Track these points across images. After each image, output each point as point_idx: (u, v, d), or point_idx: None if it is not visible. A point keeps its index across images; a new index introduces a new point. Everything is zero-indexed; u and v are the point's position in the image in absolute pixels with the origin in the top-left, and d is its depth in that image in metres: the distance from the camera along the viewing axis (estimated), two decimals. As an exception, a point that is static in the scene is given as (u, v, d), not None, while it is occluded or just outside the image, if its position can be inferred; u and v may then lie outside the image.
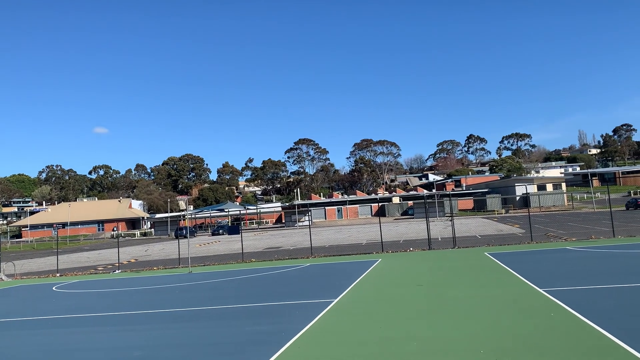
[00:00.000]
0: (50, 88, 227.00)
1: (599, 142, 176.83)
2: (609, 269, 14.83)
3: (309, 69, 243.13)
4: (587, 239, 26.02)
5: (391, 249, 27.45)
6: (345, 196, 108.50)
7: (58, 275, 27.94)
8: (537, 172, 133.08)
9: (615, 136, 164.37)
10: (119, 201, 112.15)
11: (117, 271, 27.92)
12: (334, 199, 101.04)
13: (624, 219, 41.27)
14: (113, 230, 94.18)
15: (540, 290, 11.84)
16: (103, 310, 14.28)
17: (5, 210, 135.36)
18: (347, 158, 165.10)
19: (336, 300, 12.52)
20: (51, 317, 13.78)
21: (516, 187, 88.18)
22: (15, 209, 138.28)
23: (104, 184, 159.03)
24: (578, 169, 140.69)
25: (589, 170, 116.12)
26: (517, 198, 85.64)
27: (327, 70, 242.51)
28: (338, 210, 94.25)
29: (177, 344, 9.31)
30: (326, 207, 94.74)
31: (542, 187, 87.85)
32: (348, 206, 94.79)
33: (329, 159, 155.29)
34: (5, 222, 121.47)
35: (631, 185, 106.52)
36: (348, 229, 59.99)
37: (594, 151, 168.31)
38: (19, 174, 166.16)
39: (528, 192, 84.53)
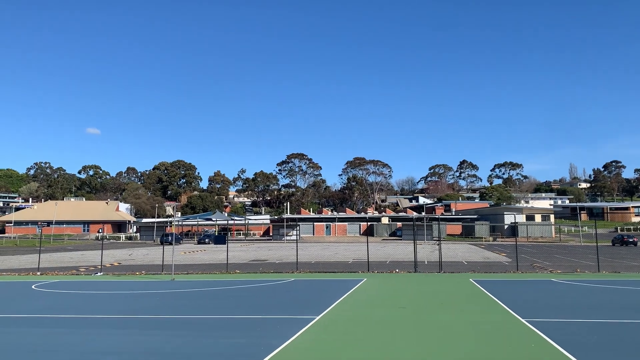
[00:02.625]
0: (44, 87, 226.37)
1: (589, 176, 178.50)
2: (592, 303, 14.82)
3: (305, 84, 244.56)
4: (572, 271, 26.07)
5: (377, 269, 27.34)
6: (335, 213, 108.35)
7: (39, 273, 27.53)
8: (527, 202, 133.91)
9: (606, 172, 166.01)
10: (107, 203, 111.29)
11: (99, 273, 27.55)
12: (323, 215, 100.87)
13: (610, 254, 41.49)
14: (98, 232, 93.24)
15: (523, 320, 11.79)
16: (81, 312, 14.03)
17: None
18: (339, 175, 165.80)
19: (318, 318, 12.39)
20: (27, 315, 13.52)
21: (505, 215, 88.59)
22: (1, 204, 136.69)
23: (92, 185, 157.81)
24: (567, 201, 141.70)
25: (578, 204, 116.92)
26: (506, 227, 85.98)
27: (324, 86, 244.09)
28: (327, 227, 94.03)
29: (153, 351, 9.14)
30: (315, 223, 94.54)
31: (530, 218, 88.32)
32: (337, 223, 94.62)
33: (320, 175, 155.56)
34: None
35: (618, 222, 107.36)
36: (335, 246, 59.79)
37: (584, 185, 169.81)
38: (7, 169, 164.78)
39: (517, 221, 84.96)
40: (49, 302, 16.55)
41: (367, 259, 28.37)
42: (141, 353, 8.97)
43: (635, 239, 60.72)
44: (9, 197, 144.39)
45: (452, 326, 11.28)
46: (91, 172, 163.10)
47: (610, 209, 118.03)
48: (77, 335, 10.78)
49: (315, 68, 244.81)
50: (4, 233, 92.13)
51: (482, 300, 15.61)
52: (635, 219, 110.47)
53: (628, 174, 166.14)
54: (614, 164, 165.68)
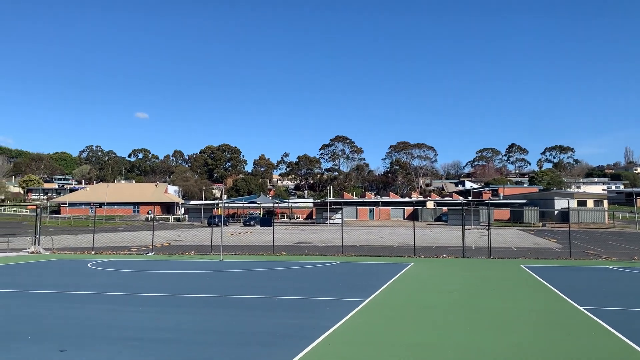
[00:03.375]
0: (95, 71, 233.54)
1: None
2: (653, 292, 14.12)
3: (350, 68, 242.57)
4: (629, 259, 25.01)
5: (424, 254, 27.02)
6: (378, 197, 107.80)
7: (93, 252, 28.63)
8: (578, 187, 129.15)
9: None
10: (156, 185, 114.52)
11: (150, 253, 28.41)
12: (366, 199, 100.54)
13: (670, 242, 39.58)
14: (148, 213, 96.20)
15: (580, 307, 11.36)
16: (135, 290, 14.48)
17: (47, 186, 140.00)
18: (383, 159, 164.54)
19: (367, 301, 12.33)
20: (85, 292, 14.05)
21: (555, 200, 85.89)
22: (56, 186, 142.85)
23: (142, 168, 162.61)
24: (622, 187, 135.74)
25: (634, 189, 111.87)
26: (556, 212, 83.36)
27: (367, 70, 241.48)
28: (370, 211, 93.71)
29: (205, 329, 9.31)
30: (358, 207, 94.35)
31: (582, 203, 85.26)
32: (380, 207, 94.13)
33: (364, 159, 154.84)
34: (45, 197, 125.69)
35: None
36: (379, 230, 59.55)
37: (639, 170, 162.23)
38: (61, 152, 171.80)
39: (568, 207, 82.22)
40: (104, 279, 17.18)
41: (414, 243, 28.07)
42: (197, 331, 9.15)
43: (696, 227, 57.70)
44: (64, 179, 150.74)
45: (506, 313, 10.99)
46: (140, 155, 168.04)
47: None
48: (133, 312, 11.12)
49: (359, 51, 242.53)
50: (60, 213, 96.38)
51: (535, 286, 15.16)
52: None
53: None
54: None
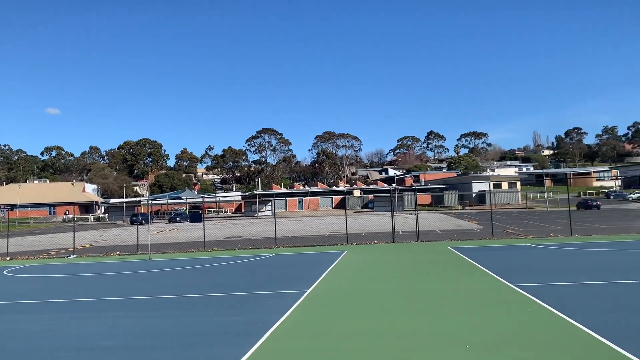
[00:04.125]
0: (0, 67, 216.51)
1: (552, 143, 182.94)
2: (574, 266, 15.15)
3: (274, 59, 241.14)
4: (546, 236, 26.72)
5: (356, 241, 27.44)
6: (307, 188, 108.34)
7: (8, 258, 26.61)
8: (493, 170, 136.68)
9: (567, 139, 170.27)
10: (72, 184, 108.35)
11: (72, 256, 26.83)
12: (295, 190, 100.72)
13: (578, 218, 42.73)
14: (65, 214, 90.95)
15: (512, 285, 11.96)
16: (61, 296, 13.58)
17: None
18: (309, 150, 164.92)
19: (308, 292, 12.30)
20: (6, 302, 12.99)
21: (473, 184, 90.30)
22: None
23: (56, 166, 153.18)
24: (532, 168, 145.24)
25: (543, 170, 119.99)
26: (474, 195, 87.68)
27: (292, 61, 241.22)
28: (299, 202, 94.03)
29: (145, 333, 8.86)
30: (287, 198, 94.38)
31: (497, 185, 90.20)
32: (309, 197, 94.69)
33: (291, 150, 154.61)
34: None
35: (581, 186, 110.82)
36: (310, 220, 59.86)
37: (547, 152, 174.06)
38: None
39: (485, 189, 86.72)
40: (24, 287, 15.98)
41: (346, 231, 28.44)
42: (136, 336, 8.69)
43: (598, 203, 62.83)
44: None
45: (444, 294, 11.35)
46: (54, 153, 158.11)
47: (573, 174, 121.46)
48: (65, 319, 10.39)
49: (283, 43, 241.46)
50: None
51: (466, 267, 15.80)
52: (596, 184, 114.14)
53: (589, 140, 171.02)
54: (575, 130, 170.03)
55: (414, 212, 58.68)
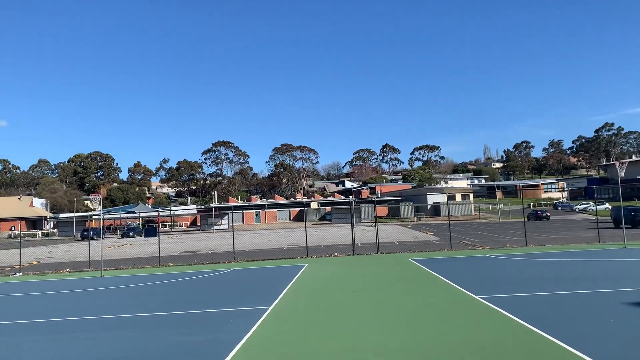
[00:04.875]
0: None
1: (501, 156, 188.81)
2: (534, 276, 15.29)
3: (229, 68, 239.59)
4: (502, 247, 27.21)
5: (315, 254, 27.15)
6: (264, 200, 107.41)
7: (-55, 278, 24.88)
8: (446, 182, 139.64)
9: (516, 152, 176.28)
10: (19, 199, 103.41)
11: (17, 274, 25.36)
12: (252, 203, 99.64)
13: (530, 229, 43.86)
14: (11, 229, 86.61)
15: (477, 297, 11.93)
16: (5, 317, 12.63)
17: None
18: (267, 162, 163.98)
19: (271, 307, 11.90)
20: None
21: (428, 196, 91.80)
22: None
23: (1, 180, 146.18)
24: (483, 181, 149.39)
25: (495, 182, 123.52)
26: (429, 207, 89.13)
27: (249, 71, 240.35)
28: (256, 214, 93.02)
29: (99, 356, 8.25)
30: (244, 211, 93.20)
31: (451, 197, 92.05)
32: (267, 210, 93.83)
33: (248, 163, 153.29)
34: None
35: (530, 198, 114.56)
36: (268, 233, 59.16)
37: (497, 165, 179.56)
38: None
39: (439, 201, 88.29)
40: (-37, 309, 14.85)
41: (306, 244, 28.15)
42: (92, 359, 8.09)
43: (548, 214, 64.97)
44: None
45: (410, 307, 11.19)
46: (0, 166, 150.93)
47: (523, 186, 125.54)
48: (11, 344, 9.58)
49: (238, 51, 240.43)
50: None
51: (429, 279, 15.76)
52: (544, 195, 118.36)
53: (536, 153, 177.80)
54: (523, 144, 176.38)
55: (373, 224, 58.88)
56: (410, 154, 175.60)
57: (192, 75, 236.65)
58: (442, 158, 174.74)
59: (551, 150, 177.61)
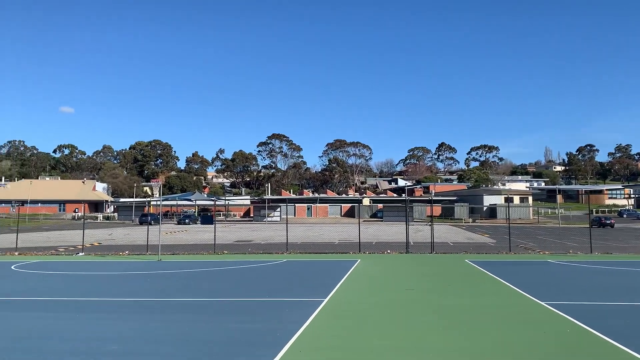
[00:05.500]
0: (17, 64, 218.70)
1: (563, 160, 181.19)
2: (603, 285, 14.46)
3: (288, 64, 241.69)
4: (564, 253, 26.01)
5: (368, 250, 26.88)
6: (316, 194, 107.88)
7: (17, 254, 26.32)
8: (504, 184, 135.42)
9: (580, 155, 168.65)
10: (83, 182, 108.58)
11: (80, 254, 26.49)
12: (305, 196, 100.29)
13: (594, 236, 41.82)
14: (75, 211, 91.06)
15: (541, 302, 11.35)
16: (68, 294, 13.13)
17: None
18: (320, 157, 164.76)
19: (326, 301, 11.77)
20: (13, 298, 12.59)
21: (484, 197, 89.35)
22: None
23: (68, 164, 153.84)
24: (543, 184, 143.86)
25: (555, 186, 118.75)
26: (485, 208, 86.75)
27: (306, 67, 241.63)
28: (308, 208, 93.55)
29: (157, 339, 8.35)
30: (296, 204, 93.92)
31: (509, 199, 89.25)
32: (318, 204, 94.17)
33: (301, 157, 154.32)
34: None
35: (593, 204, 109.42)
36: (319, 227, 59.31)
37: (558, 168, 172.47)
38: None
39: (496, 203, 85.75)
40: (31, 284, 15.60)
41: (359, 240, 27.89)
42: (147, 341, 8.20)
43: (612, 221, 61.79)
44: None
45: (471, 309, 10.77)
46: (66, 151, 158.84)
47: (585, 191, 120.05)
48: (73, 320, 9.93)
49: (298, 48, 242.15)
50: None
51: (488, 281, 15.20)
52: (609, 202, 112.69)
53: (601, 157, 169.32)
54: (587, 147, 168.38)
55: (426, 224, 57.85)
56: (467, 153, 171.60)
57: (251, 68, 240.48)
58: (501, 159, 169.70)
59: (617, 154, 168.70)
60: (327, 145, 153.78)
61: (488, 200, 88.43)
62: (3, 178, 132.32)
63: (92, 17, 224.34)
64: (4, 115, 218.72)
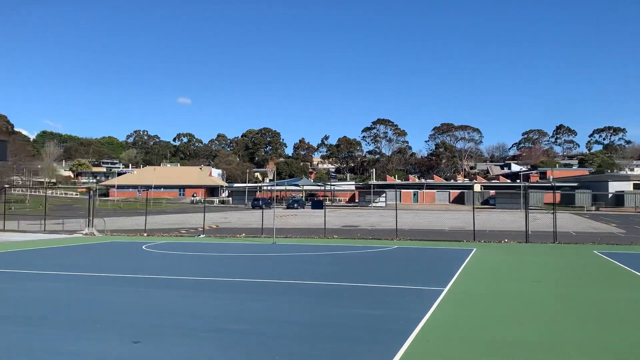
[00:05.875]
0: (138, 58, 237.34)
1: None
2: None
3: (391, 49, 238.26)
4: None
5: (483, 239, 25.74)
6: (422, 180, 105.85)
7: (145, 234, 28.59)
8: (632, 169, 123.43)
9: None
10: (200, 169, 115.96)
11: (201, 235, 28.18)
12: (411, 182, 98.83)
13: None
14: (193, 196, 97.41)
15: (696, 302, 10.08)
16: (197, 274, 13.90)
17: (95, 169, 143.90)
18: (426, 141, 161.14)
19: (446, 290, 11.35)
20: (147, 276, 13.60)
21: (609, 183, 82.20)
22: (104, 170, 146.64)
23: (186, 152, 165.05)
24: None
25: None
26: (610, 195, 79.76)
27: (410, 51, 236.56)
28: (414, 194, 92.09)
29: (284, 320, 8.52)
30: (401, 190, 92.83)
31: (638, 186, 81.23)
32: (425, 190, 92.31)
33: (407, 142, 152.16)
34: (95, 181, 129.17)
35: None
36: (426, 214, 58.14)
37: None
38: (109, 137, 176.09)
39: (623, 190, 78.44)
40: (162, 262, 16.83)
41: (473, 228, 26.79)
42: (275, 322, 8.36)
43: None
44: (112, 163, 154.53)
45: (610, 304, 9.81)
46: (185, 140, 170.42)
47: None
48: (202, 299, 10.46)
49: (398, 32, 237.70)
50: (108, 196, 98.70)
51: (625, 275, 13.85)
52: None
53: None
54: None
55: (545, 211, 54.41)
56: (589, 136, 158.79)
57: (355, 54, 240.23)
58: (628, 142, 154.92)
59: None
60: (433, 129, 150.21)
61: (614, 187, 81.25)
62: (130, 165, 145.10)
63: (204, 12, 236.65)
64: (130, 107, 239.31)
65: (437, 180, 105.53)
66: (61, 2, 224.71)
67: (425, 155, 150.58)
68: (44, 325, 8.14)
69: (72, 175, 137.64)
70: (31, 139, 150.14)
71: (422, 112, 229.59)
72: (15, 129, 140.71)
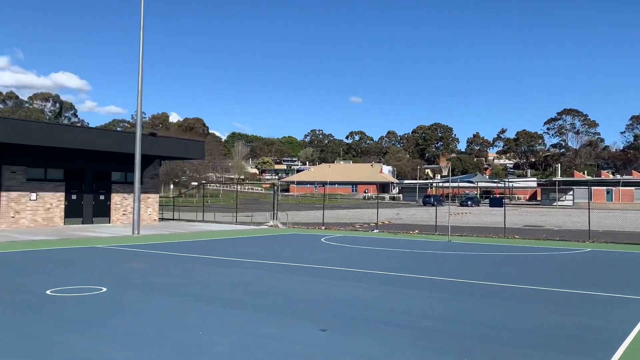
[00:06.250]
0: (314, 60, 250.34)
1: None
2: None
3: (574, 35, 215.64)
4: None
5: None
6: (618, 176, 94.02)
7: (323, 228, 29.99)
8: None
9: None
10: (371, 165, 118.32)
11: (375, 230, 28.64)
12: (604, 178, 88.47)
13: None
14: (365, 192, 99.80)
15: None
16: (377, 268, 14.08)
17: (277, 167, 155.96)
18: (622, 133, 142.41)
19: (660, 301, 9.85)
20: (328, 267, 14.20)
21: None
22: (285, 167, 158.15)
23: (358, 149, 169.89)
24: None
25: None
26: None
27: (601, 36, 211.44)
28: (607, 192, 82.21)
29: (476, 322, 8.08)
30: (592, 187, 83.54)
31: None
32: (621, 188, 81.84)
33: (598, 133, 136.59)
34: (277, 177, 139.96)
35: None
36: (624, 214, 51.44)
37: None
38: (288, 136, 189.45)
39: None
40: (342, 254, 17.44)
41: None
42: (465, 323, 8.00)
43: None
44: (291, 161, 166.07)
45: None
46: (357, 137, 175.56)
47: None
48: (384, 293, 10.52)
49: (584, 17, 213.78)
50: (288, 192, 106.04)
51: None
52: None
53: None
54: None
55: None
56: None
57: (532, 45, 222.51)
58: None
59: None
60: (631, 118, 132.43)
61: None
62: (307, 162, 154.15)
63: (371, 14, 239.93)
64: (307, 107, 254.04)
65: (637, 176, 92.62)
66: (243, 11, 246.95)
67: (621, 148, 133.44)
68: (239, 308, 8.95)
69: (257, 172, 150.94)
70: (223, 140, 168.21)
71: (616, 99, 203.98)
72: (210, 130, 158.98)
